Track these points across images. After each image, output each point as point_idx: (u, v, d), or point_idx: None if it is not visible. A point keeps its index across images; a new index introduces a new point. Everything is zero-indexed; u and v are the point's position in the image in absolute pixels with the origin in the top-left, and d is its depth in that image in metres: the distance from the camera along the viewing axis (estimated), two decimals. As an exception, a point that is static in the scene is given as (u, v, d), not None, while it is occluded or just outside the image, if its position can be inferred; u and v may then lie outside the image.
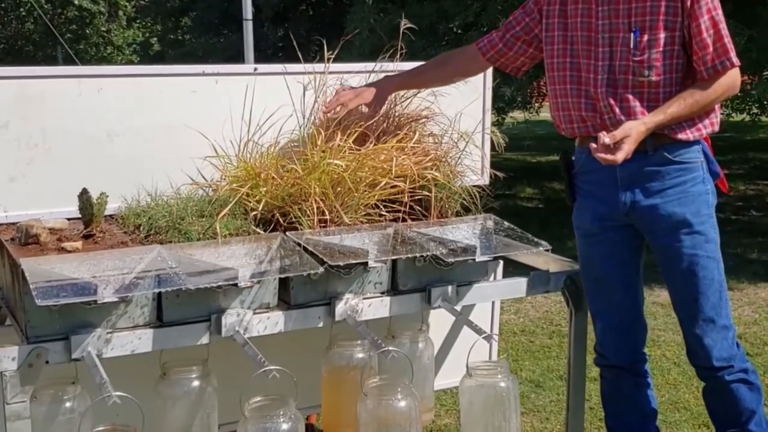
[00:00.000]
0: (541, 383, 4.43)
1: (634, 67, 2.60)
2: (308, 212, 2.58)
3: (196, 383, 2.50)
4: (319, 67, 3.05)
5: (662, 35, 2.57)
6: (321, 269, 2.36)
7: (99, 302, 2.18)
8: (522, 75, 3.00)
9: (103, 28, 22.00)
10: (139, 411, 2.15)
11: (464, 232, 2.74)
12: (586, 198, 2.82)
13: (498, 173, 3.40)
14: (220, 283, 2.27)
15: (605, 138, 2.45)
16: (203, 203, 2.63)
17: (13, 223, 2.69)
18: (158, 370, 2.56)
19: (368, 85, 2.98)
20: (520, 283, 2.89)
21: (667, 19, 2.56)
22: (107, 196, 2.65)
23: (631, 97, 2.61)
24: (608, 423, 3.01)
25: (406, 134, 2.86)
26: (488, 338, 2.57)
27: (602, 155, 2.45)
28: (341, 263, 2.39)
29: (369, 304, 2.60)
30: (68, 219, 2.70)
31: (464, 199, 2.93)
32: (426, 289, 2.67)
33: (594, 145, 2.48)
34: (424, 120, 3.09)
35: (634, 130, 2.50)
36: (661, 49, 2.58)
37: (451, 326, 3.42)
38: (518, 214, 9.31)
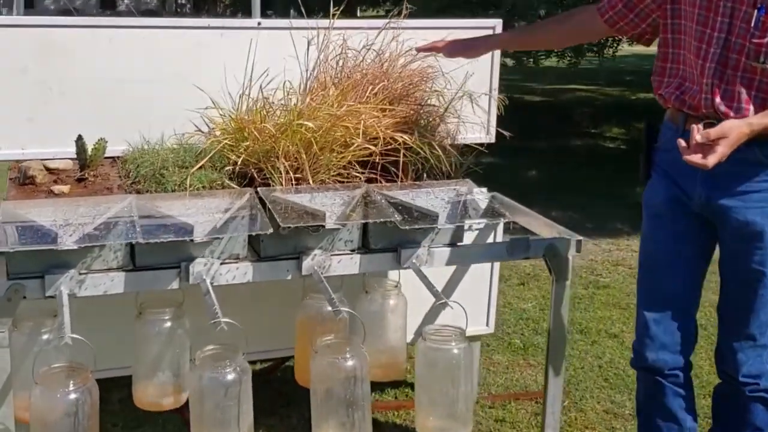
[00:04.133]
0: (560, 335, 4.34)
1: (750, 49, 2.21)
2: (281, 170, 2.57)
3: (168, 324, 2.56)
4: (323, 23, 3.00)
5: None
6: (269, 230, 2.37)
7: (59, 249, 2.24)
8: (646, 43, 2.60)
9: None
10: (91, 352, 2.24)
11: (433, 197, 2.68)
12: (662, 176, 2.51)
13: (504, 132, 3.30)
14: (170, 239, 2.29)
15: (697, 135, 2.08)
16: (186, 154, 2.65)
17: (29, 161, 2.80)
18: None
19: (471, 40, 2.77)
20: (497, 248, 2.83)
21: None
22: (106, 142, 2.72)
23: (738, 81, 2.25)
24: (641, 429, 2.78)
25: (387, 95, 2.80)
26: (444, 305, 2.52)
27: (689, 157, 2.09)
28: (291, 225, 2.38)
29: (338, 261, 2.59)
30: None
31: (452, 161, 2.86)
32: (397, 249, 2.65)
33: (684, 144, 2.12)
34: (424, 79, 3.02)
35: (734, 130, 2.11)
36: None
37: (448, 280, 3.39)
38: (600, 155, 9.02)
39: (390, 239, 2.63)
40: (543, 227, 3.04)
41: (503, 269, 5.26)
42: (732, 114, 2.26)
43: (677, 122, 2.44)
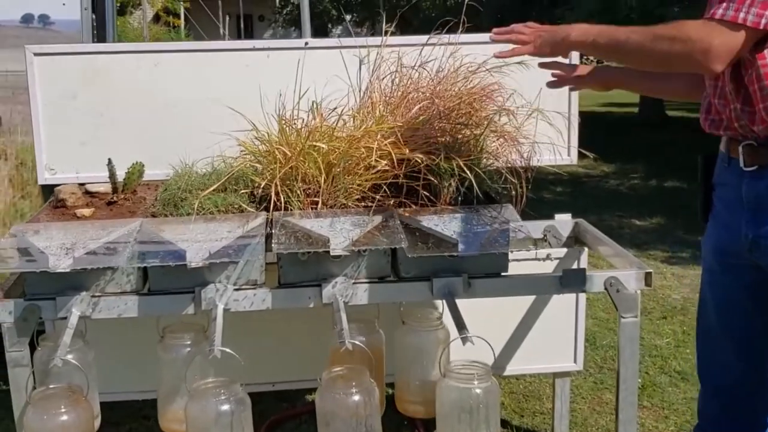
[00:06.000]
0: (687, 375, 3.91)
1: None
2: (299, 193, 2.44)
3: (187, 349, 2.50)
4: (373, 40, 2.86)
5: None
6: (261, 256, 2.24)
7: (51, 272, 2.22)
8: None
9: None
10: (83, 376, 2.21)
11: (460, 222, 2.43)
12: (713, 220, 2.18)
13: (587, 153, 3.01)
14: (155, 264, 2.22)
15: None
16: (213, 177, 2.58)
17: (82, 184, 2.84)
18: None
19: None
20: (548, 280, 2.55)
21: None
22: (142, 165, 2.71)
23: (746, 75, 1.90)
24: None
25: (421, 109, 2.60)
26: (465, 339, 2.28)
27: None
28: (284, 251, 2.24)
29: (365, 289, 2.42)
30: (125, 182, 2.79)
31: (499, 184, 2.62)
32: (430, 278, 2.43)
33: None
34: (484, 97, 2.79)
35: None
36: None
37: (526, 312, 3.12)
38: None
39: (423, 267, 2.43)
40: (616, 258, 2.74)
41: (646, 302, 4.88)
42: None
43: (723, 149, 2.08)
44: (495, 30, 2.17)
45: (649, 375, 3.97)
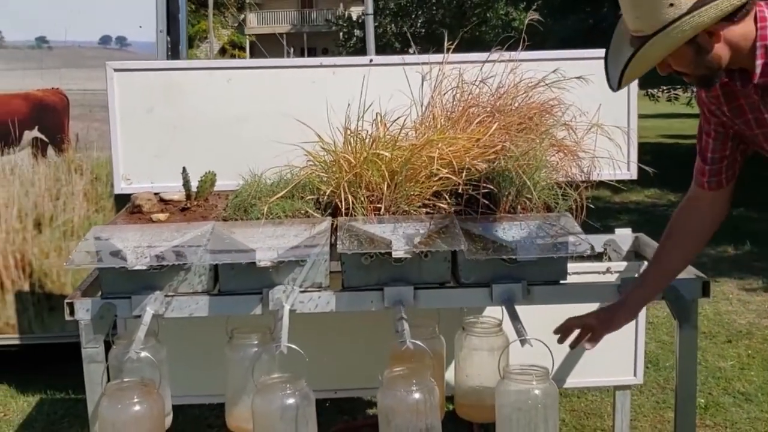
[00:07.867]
0: (751, 396, 3.92)
1: None
2: (362, 200, 2.57)
3: (254, 349, 2.61)
4: (435, 58, 2.98)
5: None
6: (323, 259, 2.36)
7: (129, 269, 2.37)
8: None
9: (501, 12, 22.44)
10: (156, 370, 2.34)
11: (520, 230, 2.52)
12: None
13: (647, 168, 3.08)
14: (225, 261, 2.36)
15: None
16: (280, 184, 2.72)
17: (156, 193, 3.00)
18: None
19: (606, 309, 2.52)
20: (606, 288, 2.62)
21: None
22: (214, 174, 2.86)
23: None
24: None
25: (481, 123, 2.70)
26: (524, 341, 2.36)
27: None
28: (348, 252, 2.36)
29: (425, 294, 2.52)
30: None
31: (559, 196, 2.70)
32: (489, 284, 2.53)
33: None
34: (543, 112, 2.89)
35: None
36: None
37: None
38: None
39: (482, 273, 2.52)
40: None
41: (711, 326, 4.90)
42: None
43: None
44: None
45: (712, 395, 3.98)
